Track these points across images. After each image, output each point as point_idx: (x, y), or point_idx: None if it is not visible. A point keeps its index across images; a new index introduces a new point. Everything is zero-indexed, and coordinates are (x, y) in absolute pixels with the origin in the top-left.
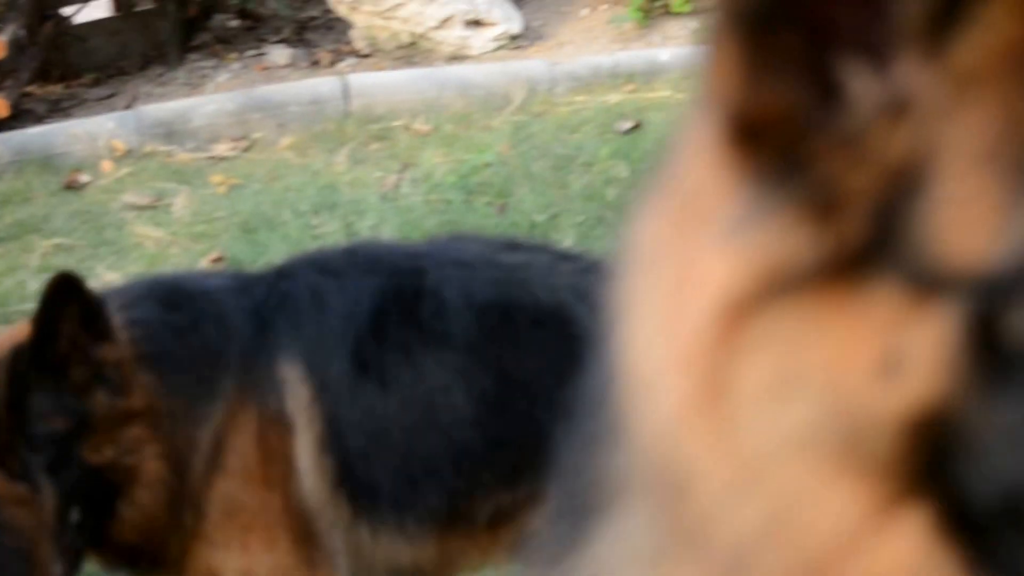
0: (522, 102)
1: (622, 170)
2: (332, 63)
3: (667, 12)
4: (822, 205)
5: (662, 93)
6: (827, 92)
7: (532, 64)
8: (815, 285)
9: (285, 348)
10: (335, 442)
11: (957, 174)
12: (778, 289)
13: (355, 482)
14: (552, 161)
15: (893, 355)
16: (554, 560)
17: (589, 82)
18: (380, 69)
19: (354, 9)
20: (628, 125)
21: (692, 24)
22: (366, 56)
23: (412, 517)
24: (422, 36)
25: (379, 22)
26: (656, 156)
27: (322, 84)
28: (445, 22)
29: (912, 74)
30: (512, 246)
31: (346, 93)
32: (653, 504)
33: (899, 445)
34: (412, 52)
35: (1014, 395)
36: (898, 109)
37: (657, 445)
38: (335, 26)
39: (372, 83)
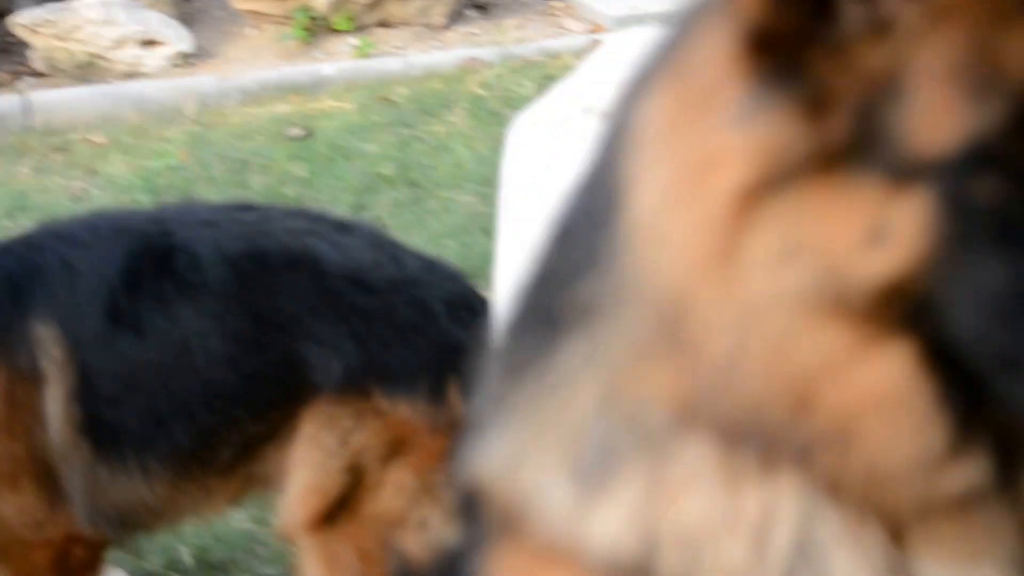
0: (195, 114)
1: (299, 170)
2: (11, 82)
3: (329, 30)
4: (815, 103)
5: (327, 103)
6: (824, 10)
7: (203, 79)
8: (812, 173)
9: (38, 311)
10: (86, 392)
11: (927, 86)
12: (782, 176)
13: (101, 426)
14: (230, 165)
15: (878, 229)
16: (518, 368)
17: (258, 95)
18: (59, 87)
19: (33, 32)
20: (298, 132)
21: (353, 41)
22: (45, 76)
23: (155, 456)
24: (99, 56)
25: (57, 43)
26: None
27: (1, 101)
28: (120, 42)
29: (894, 2)
30: (245, 207)
31: (27, 109)
32: (644, 318)
33: (882, 299)
34: (90, 71)
35: (977, 251)
36: (880, 29)
37: (662, 286)
38: (14, 48)
39: (52, 100)
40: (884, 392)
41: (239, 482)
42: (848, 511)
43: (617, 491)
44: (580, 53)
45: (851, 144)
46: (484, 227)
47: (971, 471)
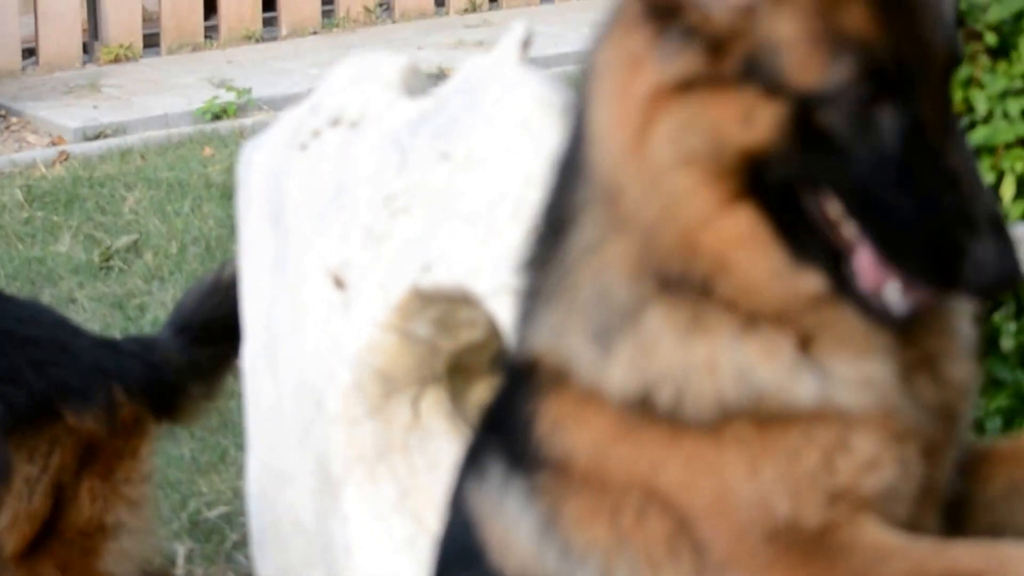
0: None
1: None
2: None
3: None
4: (710, 50)
5: None
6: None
7: None
8: (708, 84)
9: None
10: None
11: (793, 47)
12: (685, 87)
13: None
14: None
15: (749, 115)
16: (544, 265)
17: None
18: None
19: None
20: None
21: None
22: None
23: None
24: None
25: None
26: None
27: None
28: None
29: None
30: None
31: None
32: (602, 211)
33: (742, 160)
34: None
35: (810, 146)
36: (746, 10)
37: (607, 174)
38: None
39: None
40: (740, 233)
41: None
42: (763, 332)
43: (618, 352)
44: (51, 163)
45: (739, 71)
46: None
47: (810, 278)
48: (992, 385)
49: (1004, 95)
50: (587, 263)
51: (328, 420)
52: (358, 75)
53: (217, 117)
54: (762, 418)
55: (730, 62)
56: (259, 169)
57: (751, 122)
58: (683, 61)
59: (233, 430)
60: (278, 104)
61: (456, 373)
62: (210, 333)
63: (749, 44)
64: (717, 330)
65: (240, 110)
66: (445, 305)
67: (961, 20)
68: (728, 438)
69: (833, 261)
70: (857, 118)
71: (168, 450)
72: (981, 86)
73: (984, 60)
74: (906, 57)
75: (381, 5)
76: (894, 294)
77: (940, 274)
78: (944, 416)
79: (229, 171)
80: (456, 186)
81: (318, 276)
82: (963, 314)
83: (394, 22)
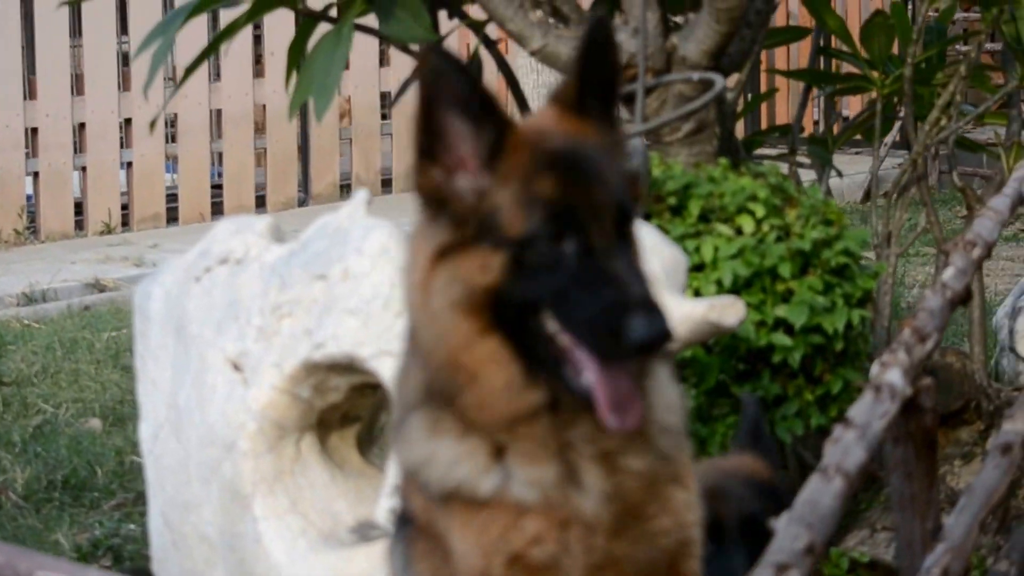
0: None
1: None
2: None
3: None
4: (457, 223)
5: None
6: (453, 180)
7: None
8: (459, 247)
9: None
10: None
11: (506, 208)
12: (446, 251)
13: None
14: None
15: (485, 265)
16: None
17: None
18: None
19: None
20: None
21: None
22: None
23: None
24: None
25: None
26: None
27: None
28: None
29: (485, 178)
30: None
31: None
32: (409, 345)
33: (486, 298)
34: None
35: (525, 276)
36: (480, 191)
37: (410, 318)
38: None
39: None
40: (488, 356)
41: None
42: (475, 438)
43: (397, 443)
44: None
45: (476, 234)
46: None
47: (535, 395)
48: None
49: (682, 238)
50: (406, 374)
51: (239, 455)
52: (235, 230)
53: None
54: (466, 501)
55: (468, 229)
56: (158, 297)
57: (487, 269)
58: (442, 234)
59: None
60: None
61: (321, 424)
62: None
63: (481, 214)
64: (444, 434)
65: None
66: (323, 375)
67: (652, 187)
68: (451, 511)
69: (555, 365)
70: (548, 248)
71: None
72: (667, 231)
73: (667, 215)
74: (579, 208)
75: (28, 228)
76: (587, 381)
77: (610, 343)
78: (618, 500)
79: None
80: (335, 294)
81: (221, 365)
82: (662, 404)
83: (42, 242)
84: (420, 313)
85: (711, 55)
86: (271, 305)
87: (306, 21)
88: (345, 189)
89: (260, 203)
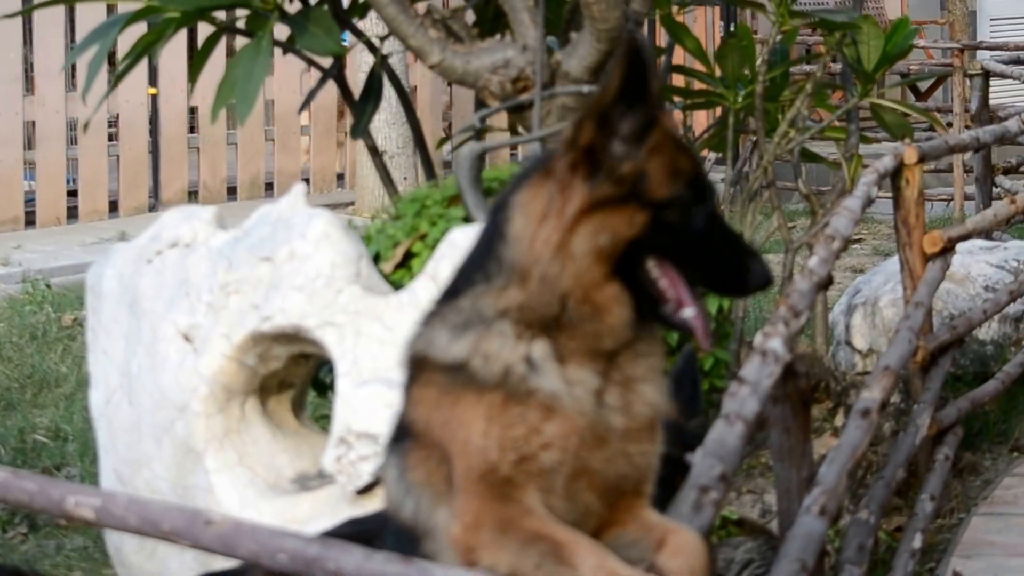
0: None
1: None
2: None
3: None
4: (615, 183)
5: None
6: (613, 146)
7: None
8: (609, 204)
9: None
10: None
11: (654, 176)
12: (595, 205)
13: None
14: None
15: (631, 220)
16: (437, 304)
17: None
18: None
19: None
20: None
21: None
22: None
23: None
24: None
25: None
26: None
27: None
28: None
29: (637, 149)
30: None
31: None
32: (512, 276)
33: (621, 250)
34: None
35: (661, 232)
36: (633, 159)
37: (522, 258)
38: None
39: None
40: (615, 296)
41: None
42: (547, 345)
43: (466, 337)
44: None
45: (627, 193)
46: None
47: (633, 328)
48: None
49: None
50: (477, 297)
51: (192, 416)
52: (183, 217)
53: None
54: (507, 392)
55: (624, 188)
56: (110, 277)
57: (632, 223)
58: (601, 190)
59: None
60: None
61: (262, 390)
62: None
63: (634, 179)
64: (523, 339)
65: None
66: (267, 344)
67: None
68: (480, 404)
69: (655, 304)
70: (685, 210)
71: None
72: None
73: None
74: (703, 181)
75: None
76: (689, 314)
77: (736, 284)
78: (629, 419)
79: None
80: (282, 273)
81: (173, 336)
82: (655, 351)
83: None
84: (551, 251)
85: (592, 70)
86: (219, 283)
87: (213, 33)
88: (193, 195)
89: (113, 208)
